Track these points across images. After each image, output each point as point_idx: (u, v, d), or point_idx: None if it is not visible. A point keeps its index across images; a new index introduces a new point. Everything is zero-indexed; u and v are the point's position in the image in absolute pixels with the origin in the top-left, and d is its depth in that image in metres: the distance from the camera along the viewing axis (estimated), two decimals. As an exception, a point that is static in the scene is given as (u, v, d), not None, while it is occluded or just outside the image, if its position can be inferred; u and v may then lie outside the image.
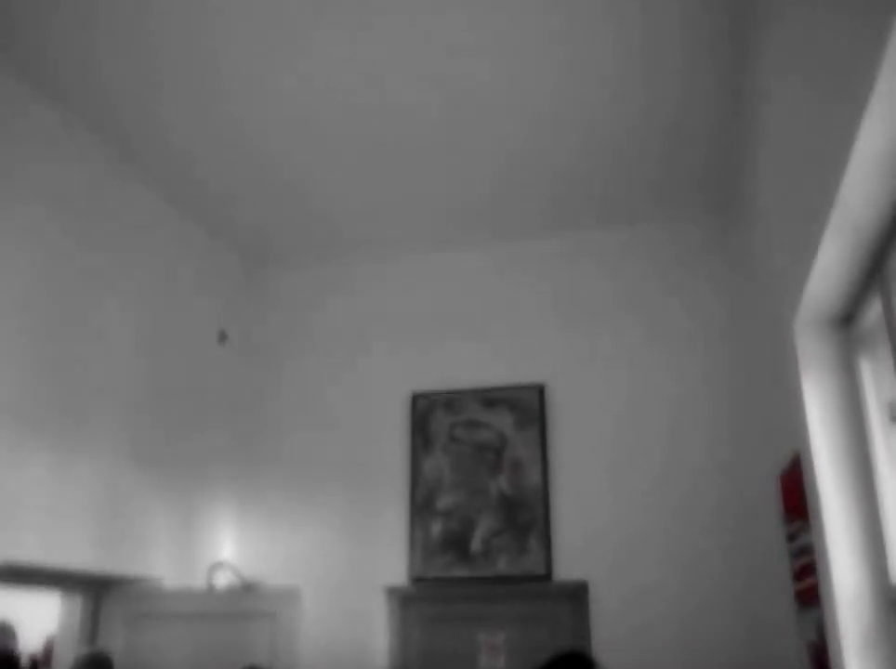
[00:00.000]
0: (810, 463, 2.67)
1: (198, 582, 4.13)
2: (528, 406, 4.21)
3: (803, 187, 2.48)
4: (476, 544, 4.11)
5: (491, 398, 4.28)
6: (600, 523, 3.93)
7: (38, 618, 5.14)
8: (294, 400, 4.64)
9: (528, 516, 4.07)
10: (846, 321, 2.68)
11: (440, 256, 4.64)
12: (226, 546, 4.44)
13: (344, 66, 3.26)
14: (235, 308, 4.76)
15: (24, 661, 5.11)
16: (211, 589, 4.10)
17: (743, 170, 3.58)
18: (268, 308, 4.90)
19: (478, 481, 4.21)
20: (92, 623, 3.77)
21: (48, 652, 4.98)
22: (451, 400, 4.34)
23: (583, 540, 3.96)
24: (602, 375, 4.14)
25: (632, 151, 3.77)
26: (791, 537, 3.04)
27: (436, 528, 4.18)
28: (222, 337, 4.49)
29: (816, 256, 2.39)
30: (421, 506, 4.23)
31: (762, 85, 2.94)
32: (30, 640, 5.29)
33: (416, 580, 4.13)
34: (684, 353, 4.07)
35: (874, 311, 2.40)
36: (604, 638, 3.78)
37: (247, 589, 4.08)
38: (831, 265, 2.44)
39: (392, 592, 4.12)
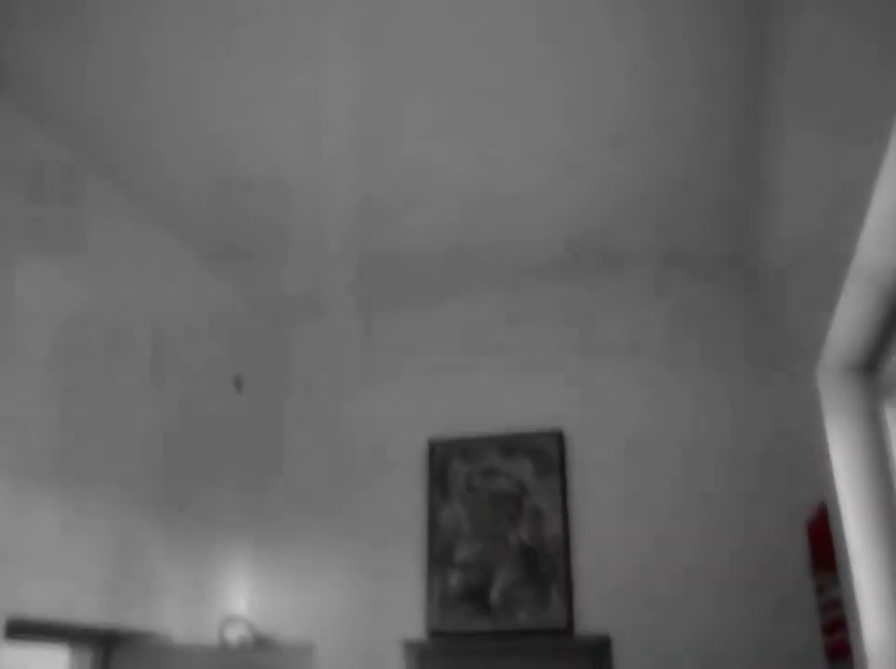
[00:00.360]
0: (838, 514, 2.69)
1: (210, 636, 4.14)
2: (548, 454, 4.25)
3: (822, 236, 2.53)
4: (495, 596, 4.12)
5: (509, 445, 4.32)
6: (623, 574, 3.94)
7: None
8: (308, 449, 4.69)
9: (548, 567, 4.08)
10: (869, 368, 2.72)
11: (456, 301, 4.71)
12: (239, 599, 4.46)
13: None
14: (250, 356, 4.84)
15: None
16: (223, 644, 4.12)
17: (760, 216, 3.64)
18: (283, 355, 4.97)
19: (497, 531, 4.23)
20: (101, 680, 3.79)
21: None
22: (469, 448, 4.38)
23: (605, 592, 3.96)
24: (623, 422, 4.17)
25: (646, 197, 3.84)
26: (820, 590, 3.05)
27: (454, 579, 4.19)
28: (238, 384, 4.57)
29: (837, 305, 2.44)
30: (439, 557, 4.25)
31: (777, 135, 3.01)
32: (35, 697, 5.29)
33: (434, 633, 4.13)
34: (706, 399, 4.10)
35: (897, 359, 2.44)
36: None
37: (260, 644, 4.09)
38: (852, 313, 2.49)
39: (410, 646, 4.12)
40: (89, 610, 3.43)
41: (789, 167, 2.90)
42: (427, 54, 3.08)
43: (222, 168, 3.64)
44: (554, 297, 4.56)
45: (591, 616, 3.98)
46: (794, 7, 2.57)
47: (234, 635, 4.23)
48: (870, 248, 2.22)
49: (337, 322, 4.93)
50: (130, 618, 3.67)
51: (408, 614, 4.24)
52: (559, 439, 4.28)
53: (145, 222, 3.98)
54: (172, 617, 3.94)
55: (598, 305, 4.46)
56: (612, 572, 3.99)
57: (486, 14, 2.94)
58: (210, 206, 3.90)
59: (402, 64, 3.13)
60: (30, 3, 2.88)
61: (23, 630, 3.27)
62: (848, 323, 2.56)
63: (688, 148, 3.52)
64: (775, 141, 3.08)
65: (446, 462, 4.41)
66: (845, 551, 2.64)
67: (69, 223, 3.50)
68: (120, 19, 2.96)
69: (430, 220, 4.03)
